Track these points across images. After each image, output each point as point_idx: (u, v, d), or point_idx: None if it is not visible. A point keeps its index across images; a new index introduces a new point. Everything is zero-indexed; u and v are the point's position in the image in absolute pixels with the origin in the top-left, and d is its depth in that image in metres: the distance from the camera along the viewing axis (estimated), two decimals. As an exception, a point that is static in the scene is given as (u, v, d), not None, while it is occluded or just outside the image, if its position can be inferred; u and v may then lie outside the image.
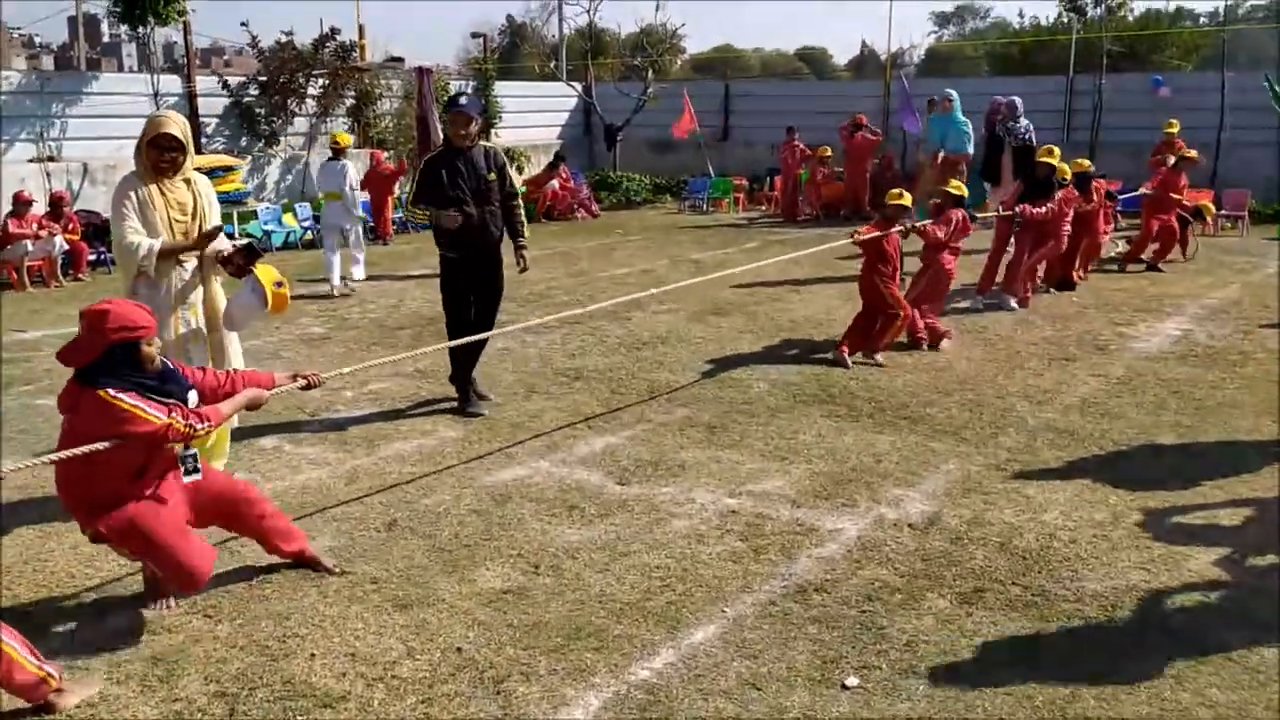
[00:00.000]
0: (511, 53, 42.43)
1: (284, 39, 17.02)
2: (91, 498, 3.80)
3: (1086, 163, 10.99)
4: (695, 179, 20.83)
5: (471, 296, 6.75)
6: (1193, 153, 12.62)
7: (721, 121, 23.22)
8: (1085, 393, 7.21)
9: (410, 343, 8.83)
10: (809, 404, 6.96)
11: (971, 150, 11.93)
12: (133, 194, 4.87)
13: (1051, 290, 10.79)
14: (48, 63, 68.88)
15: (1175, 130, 14.22)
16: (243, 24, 17.15)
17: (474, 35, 28.75)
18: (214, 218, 5.14)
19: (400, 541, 4.79)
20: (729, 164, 21.93)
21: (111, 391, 3.65)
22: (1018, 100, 12.48)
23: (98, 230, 12.97)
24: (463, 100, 6.71)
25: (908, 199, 8.06)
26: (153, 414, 3.71)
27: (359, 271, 11.95)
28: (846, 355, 7.87)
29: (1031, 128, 12.61)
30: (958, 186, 8.56)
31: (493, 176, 6.61)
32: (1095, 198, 10.82)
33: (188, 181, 5.04)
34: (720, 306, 10.25)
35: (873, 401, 7.00)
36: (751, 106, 23.21)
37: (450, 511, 5.14)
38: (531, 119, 22.70)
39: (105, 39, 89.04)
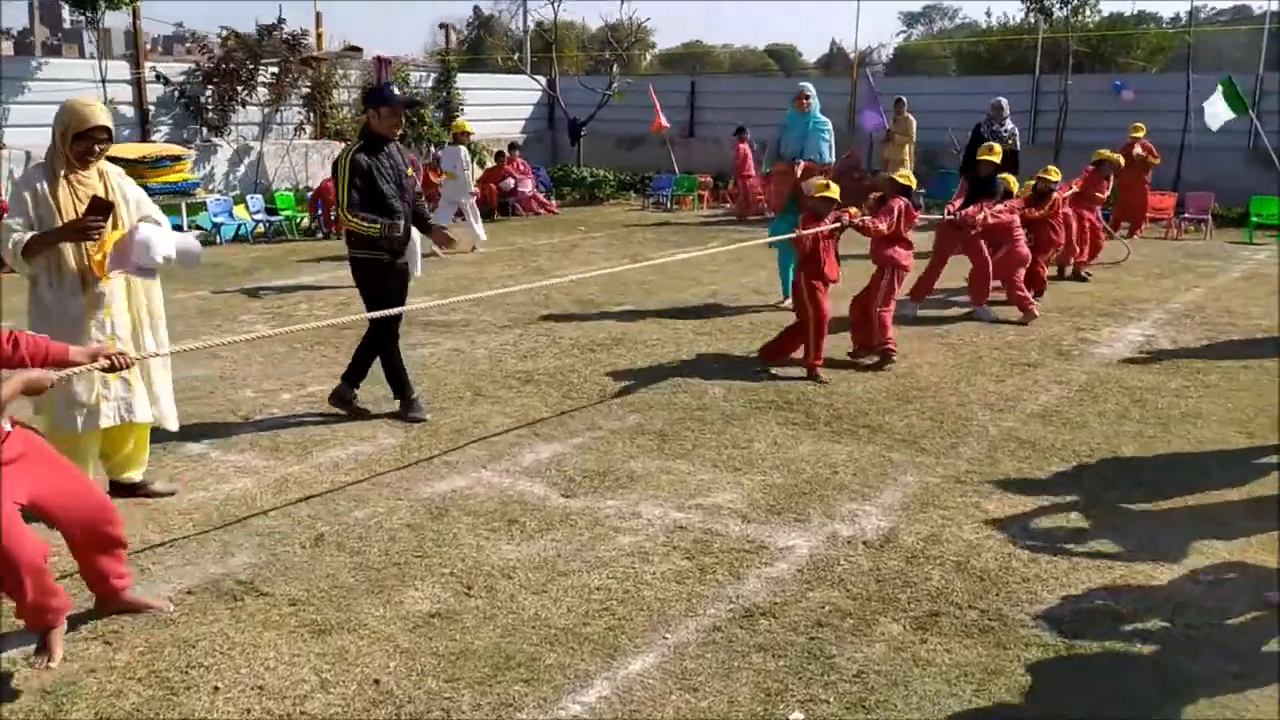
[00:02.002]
0: (479, 45, 41.98)
1: (224, 32, 16.70)
2: None
3: (1054, 172, 10.44)
4: (660, 176, 20.58)
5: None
6: (1108, 153, 12.19)
7: (687, 118, 23.02)
8: (1047, 401, 7.03)
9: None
10: (765, 410, 6.74)
11: (831, 158, 9.42)
12: (29, 193, 4.53)
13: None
14: (8, 48, 67.54)
15: (1142, 133, 14.14)
16: (177, 24, 17.08)
17: (441, 26, 28.42)
18: (131, 210, 4.82)
19: (325, 558, 4.50)
20: (694, 161, 21.70)
21: None
22: (1004, 101, 12.20)
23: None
24: (397, 92, 6.42)
25: (834, 190, 7.51)
26: None
27: (481, 233, 14.11)
28: (768, 363, 7.65)
29: (1017, 131, 12.25)
30: (905, 176, 8.05)
31: (411, 172, 6.37)
32: (1053, 209, 10.29)
33: (100, 174, 4.73)
34: (679, 307, 10.00)
35: (830, 409, 6.78)
36: (718, 103, 23.01)
37: (382, 525, 4.86)
38: (495, 112, 22.37)
39: (67, 25, 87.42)
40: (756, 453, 5.95)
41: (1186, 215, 16.08)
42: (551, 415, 6.61)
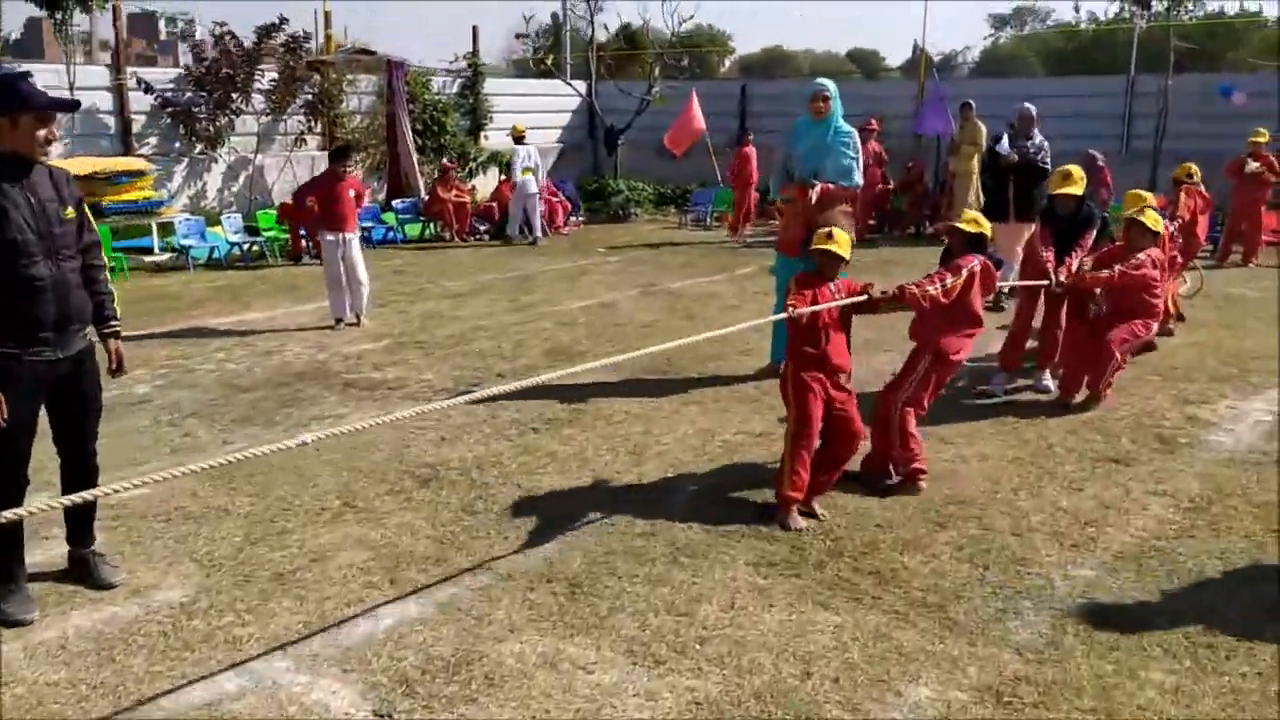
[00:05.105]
0: (555, 51, 40.74)
1: (219, 29, 15.13)
2: None
3: (1148, 198, 7.41)
4: (701, 189, 18.63)
5: (50, 412, 4.16)
6: (1190, 167, 10.08)
7: (737, 125, 21.01)
8: (1144, 526, 4.95)
9: (247, 411, 6.75)
10: (735, 540, 4.76)
11: (858, 180, 7.11)
12: None
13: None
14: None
15: (1264, 140, 11.83)
16: (171, 19, 15.63)
17: (518, 36, 27.22)
18: None
19: None
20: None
21: None
22: (1031, 108, 9.73)
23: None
24: (36, 86, 3.89)
25: (844, 243, 5.13)
26: None
27: (537, 231, 15.61)
28: (797, 515, 4.96)
29: (1047, 146, 9.72)
30: (973, 220, 5.54)
31: (70, 213, 4.03)
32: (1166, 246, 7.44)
33: None
34: (671, 362, 7.96)
35: (828, 538, 4.79)
36: (772, 108, 20.95)
37: (47, 786, 3.03)
38: (530, 120, 20.55)
39: (163, 36, 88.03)
40: (700, 624, 3.99)
41: (1313, 239, 13.60)
42: (432, 545, 4.72)
